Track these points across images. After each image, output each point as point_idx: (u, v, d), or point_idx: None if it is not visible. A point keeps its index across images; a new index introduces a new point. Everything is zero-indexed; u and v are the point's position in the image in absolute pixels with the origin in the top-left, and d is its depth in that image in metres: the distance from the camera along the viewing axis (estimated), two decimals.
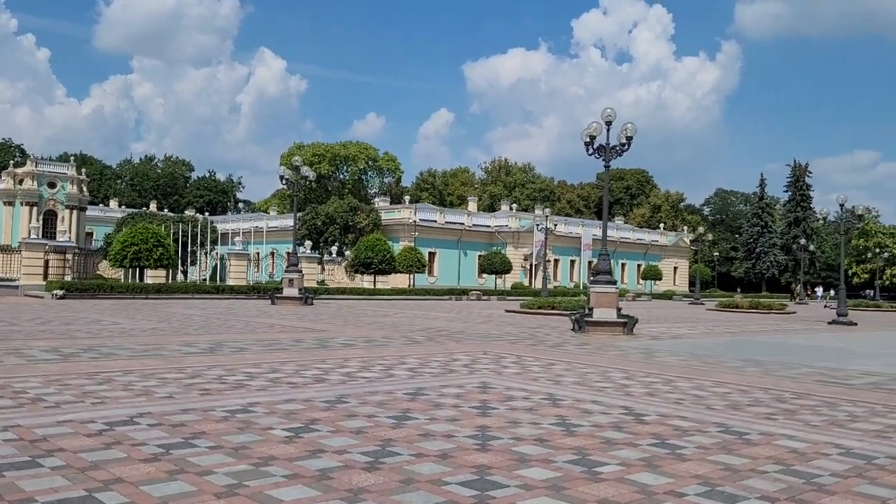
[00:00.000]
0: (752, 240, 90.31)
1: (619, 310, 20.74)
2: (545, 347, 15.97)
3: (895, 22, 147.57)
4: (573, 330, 20.77)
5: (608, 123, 20.89)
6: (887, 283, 79.39)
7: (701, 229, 62.46)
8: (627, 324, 20.36)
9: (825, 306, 54.60)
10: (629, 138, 20.85)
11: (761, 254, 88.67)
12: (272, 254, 66.34)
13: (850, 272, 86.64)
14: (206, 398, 8.36)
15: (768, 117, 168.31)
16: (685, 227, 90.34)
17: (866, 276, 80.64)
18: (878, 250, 72.06)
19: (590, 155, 21.29)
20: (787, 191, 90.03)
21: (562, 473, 5.58)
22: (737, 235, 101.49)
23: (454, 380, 10.50)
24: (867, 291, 78.38)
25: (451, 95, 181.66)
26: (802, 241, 67.94)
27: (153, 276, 42.45)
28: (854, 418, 8.40)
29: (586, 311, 20.86)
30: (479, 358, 13.42)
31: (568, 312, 28.52)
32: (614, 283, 21.24)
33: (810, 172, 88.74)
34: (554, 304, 30.40)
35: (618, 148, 21.07)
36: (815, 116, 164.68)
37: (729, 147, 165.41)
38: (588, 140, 21.07)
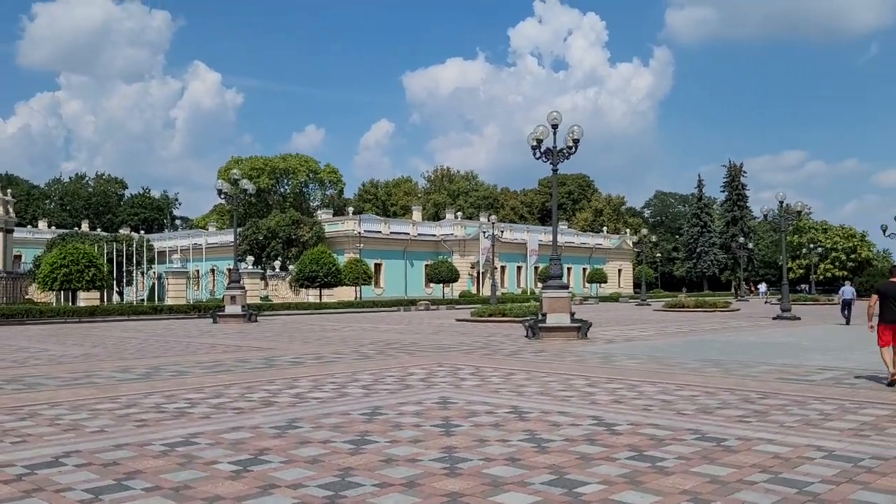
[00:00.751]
0: (692, 240, 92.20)
1: (572, 314, 20.49)
2: (501, 356, 15.54)
3: (814, 26, 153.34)
4: (527, 336, 20.41)
5: (554, 126, 20.65)
6: (821, 277, 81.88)
7: (644, 231, 63.24)
8: (581, 328, 20.11)
9: (766, 302, 55.77)
10: (576, 141, 20.65)
11: (702, 253, 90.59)
12: (212, 271, 64.65)
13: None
14: (142, 430, 7.63)
15: (701, 120, 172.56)
16: (627, 230, 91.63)
17: (801, 271, 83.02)
18: (812, 246, 74.29)
19: (537, 159, 21.03)
20: (723, 191, 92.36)
21: (541, 498, 5.09)
22: (677, 236, 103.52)
23: (412, 396, 9.96)
24: (802, 286, 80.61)
25: (391, 106, 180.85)
26: (741, 239, 69.43)
27: (86, 299, 40.68)
28: (826, 417, 8.17)
29: (539, 317, 20.54)
30: (434, 371, 12.89)
31: (520, 319, 28.24)
32: (567, 287, 21.00)
33: (745, 172, 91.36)
34: (505, 311, 30.07)
35: (564, 151, 20.86)
36: (746, 118, 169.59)
37: (665, 150, 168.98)
38: (535, 144, 20.80)
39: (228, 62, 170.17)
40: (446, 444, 6.88)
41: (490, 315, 30.30)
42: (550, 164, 20.95)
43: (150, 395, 10.19)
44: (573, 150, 20.81)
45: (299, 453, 6.50)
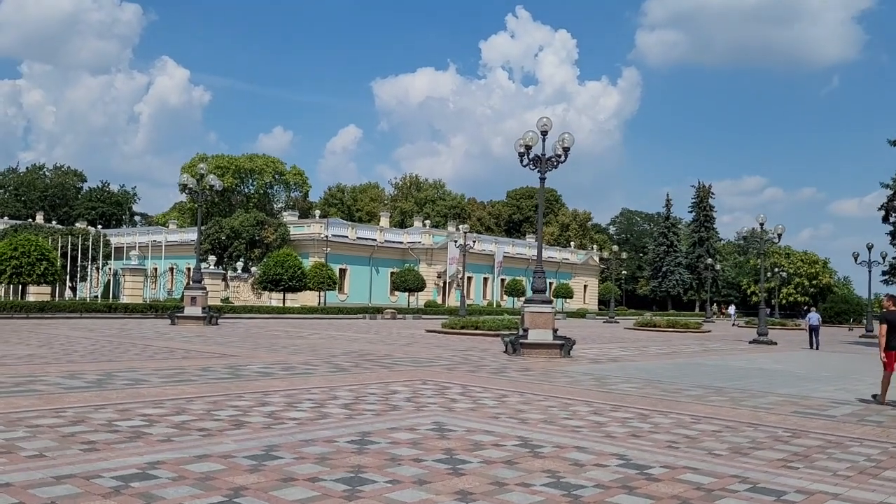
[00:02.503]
0: (658, 258, 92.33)
1: (555, 331, 19.52)
2: (486, 374, 14.46)
3: (780, 56, 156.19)
4: (506, 352, 19.40)
5: (544, 133, 19.73)
6: (783, 301, 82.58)
7: (615, 248, 62.91)
8: (564, 346, 19.15)
9: (733, 324, 55.65)
10: (566, 149, 19.75)
11: (667, 272, 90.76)
12: (171, 269, 62.39)
13: (748, 291, 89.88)
14: (90, 456, 6.38)
15: (665, 142, 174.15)
16: (594, 246, 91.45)
17: (764, 294, 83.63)
18: (776, 270, 74.81)
19: (524, 166, 20.07)
20: (691, 211, 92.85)
21: None
22: (641, 254, 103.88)
23: (401, 419, 8.82)
24: (766, 310, 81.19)
25: (360, 112, 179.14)
26: (709, 260, 69.63)
27: (36, 293, 38.61)
28: (878, 465, 7.24)
29: (520, 333, 19.54)
30: (419, 389, 11.76)
31: (493, 333, 27.28)
32: (550, 302, 20.03)
33: (713, 194, 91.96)
34: (478, 324, 29.02)
35: (553, 159, 19.94)
36: (709, 142, 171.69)
37: (629, 169, 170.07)
38: (523, 150, 19.85)
39: (198, 59, 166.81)
40: (458, 486, 5.78)
41: (462, 327, 29.25)
42: (538, 171, 20.01)
43: (100, 408, 8.89)
44: (563, 158, 19.91)
45: (284, 496, 5.34)
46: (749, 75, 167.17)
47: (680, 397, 11.92)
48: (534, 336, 19.13)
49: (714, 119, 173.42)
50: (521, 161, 20.13)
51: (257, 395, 10.40)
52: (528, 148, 19.81)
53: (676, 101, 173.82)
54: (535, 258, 67.74)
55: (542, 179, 20.20)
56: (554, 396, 11.42)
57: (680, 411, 10.28)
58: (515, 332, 20.82)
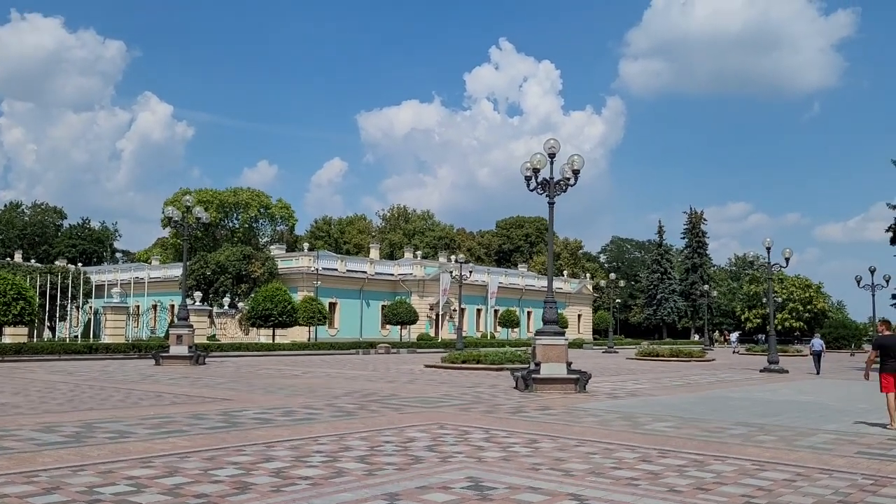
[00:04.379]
0: (652, 286, 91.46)
1: (569, 364, 18.40)
2: (505, 415, 13.28)
3: (762, 84, 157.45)
4: (517, 388, 18.23)
5: (551, 156, 18.83)
6: (778, 327, 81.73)
7: (612, 276, 61.98)
8: (580, 380, 18.03)
9: (734, 352, 54.63)
10: (576, 171, 18.82)
11: (662, 300, 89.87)
12: (154, 307, 60.89)
13: (742, 317, 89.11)
14: None
15: (650, 170, 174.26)
16: (587, 275, 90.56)
17: (758, 320, 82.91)
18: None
19: (531, 190, 19.13)
20: (683, 237, 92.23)
21: None
22: (633, 282, 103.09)
23: (429, 475, 7.64)
24: (759, 336, 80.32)
25: (345, 145, 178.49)
26: (705, 286, 68.87)
27: (12, 335, 36.98)
28: None
29: (532, 367, 18.39)
30: (438, 435, 10.57)
31: (496, 367, 26.15)
32: (563, 333, 18.88)
33: (705, 220, 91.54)
34: (479, 358, 27.78)
35: (562, 182, 18.99)
36: (693, 170, 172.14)
37: (616, 197, 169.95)
38: (530, 174, 18.90)
39: (181, 95, 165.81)
40: None
41: (463, 361, 28.01)
42: (546, 196, 19.05)
43: (79, 470, 7.64)
44: (572, 181, 18.96)
45: None
46: (732, 103, 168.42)
47: (725, 438, 10.82)
48: (547, 370, 18.00)
49: (698, 146, 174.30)
50: (528, 185, 19.19)
51: (259, 448, 9.19)
52: (536, 171, 18.88)
53: (660, 130, 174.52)
54: (530, 287, 66.40)
55: (551, 204, 19.21)
56: (590, 440, 10.27)
57: (735, 455, 9.16)
58: (525, 366, 19.69)
